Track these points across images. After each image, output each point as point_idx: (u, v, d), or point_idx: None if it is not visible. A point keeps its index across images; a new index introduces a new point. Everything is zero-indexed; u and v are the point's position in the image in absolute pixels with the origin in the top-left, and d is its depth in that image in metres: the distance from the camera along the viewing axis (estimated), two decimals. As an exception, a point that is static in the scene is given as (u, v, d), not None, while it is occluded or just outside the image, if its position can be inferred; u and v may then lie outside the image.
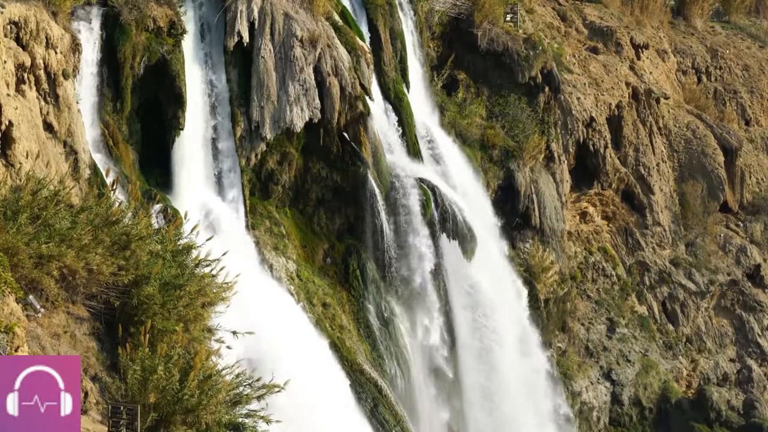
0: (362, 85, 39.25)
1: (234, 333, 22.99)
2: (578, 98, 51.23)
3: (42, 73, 29.12)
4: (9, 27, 27.90)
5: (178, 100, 35.07)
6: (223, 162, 36.77)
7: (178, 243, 23.38)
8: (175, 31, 35.09)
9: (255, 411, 21.16)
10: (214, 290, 22.62)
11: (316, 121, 37.91)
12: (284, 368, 26.19)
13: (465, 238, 41.58)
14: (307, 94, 37.48)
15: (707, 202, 56.67)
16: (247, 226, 37.04)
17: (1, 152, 26.14)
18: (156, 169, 35.37)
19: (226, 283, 22.91)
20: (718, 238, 56.74)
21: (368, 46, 41.43)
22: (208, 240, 24.10)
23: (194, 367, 19.83)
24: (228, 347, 22.66)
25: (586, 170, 52.59)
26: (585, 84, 52.46)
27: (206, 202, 35.70)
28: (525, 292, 45.63)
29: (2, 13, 27.33)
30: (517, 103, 47.73)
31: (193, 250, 23.27)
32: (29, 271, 19.99)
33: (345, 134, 38.94)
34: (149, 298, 21.03)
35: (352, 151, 38.94)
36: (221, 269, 23.14)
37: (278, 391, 21.34)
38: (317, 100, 37.71)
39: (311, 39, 37.81)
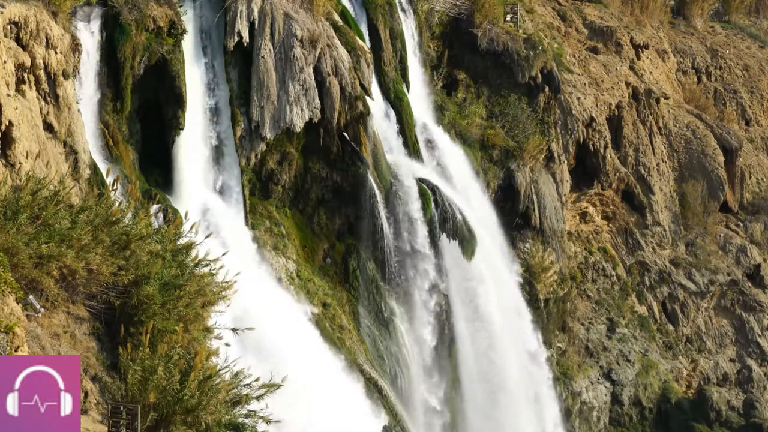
0: (362, 85, 39.25)
1: (234, 330, 22.99)
2: (578, 98, 51.21)
3: (42, 73, 29.13)
4: (9, 27, 27.90)
5: (178, 100, 35.08)
6: (223, 162, 36.78)
7: (178, 243, 23.34)
8: (175, 31, 35.11)
9: (255, 411, 21.14)
10: (214, 290, 22.58)
11: (316, 121, 37.92)
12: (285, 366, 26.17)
13: (465, 238, 41.58)
14: (307, 94, 37.48)
15: (707, 202, 56.65)
16: (246, 226, 37.03)
17: (1, 152, 26.15)
18: (156, 169, 35.38)
19: (226, 281, 22.88)
20: (718, 238, 56.71)
21: (368, 46, 41.44)
22: (206, 238, 24.08)
23: (194, 367, 19.79)
24: (226, 344, 22.64)
25: (586, 170, 52.57)
26: (585, 84, 52.44)
27: (206, 202, 35.70)
28: (524, 291, 45.65)
29: (2, 13, 27.33)
30: (517, 103, 47.73)
31: (193, 250, 23.24)
32: (29, 271, 19.95)
33: (345, 134, 38.94)
34: (149, 298, 20.99)
35: (352, 151, 38.94)
36: (220, 268, 23.12)
37: (277, 389, 21.31)
38: (317, 100, 37.72)
39: (311, 39, 37.81)
